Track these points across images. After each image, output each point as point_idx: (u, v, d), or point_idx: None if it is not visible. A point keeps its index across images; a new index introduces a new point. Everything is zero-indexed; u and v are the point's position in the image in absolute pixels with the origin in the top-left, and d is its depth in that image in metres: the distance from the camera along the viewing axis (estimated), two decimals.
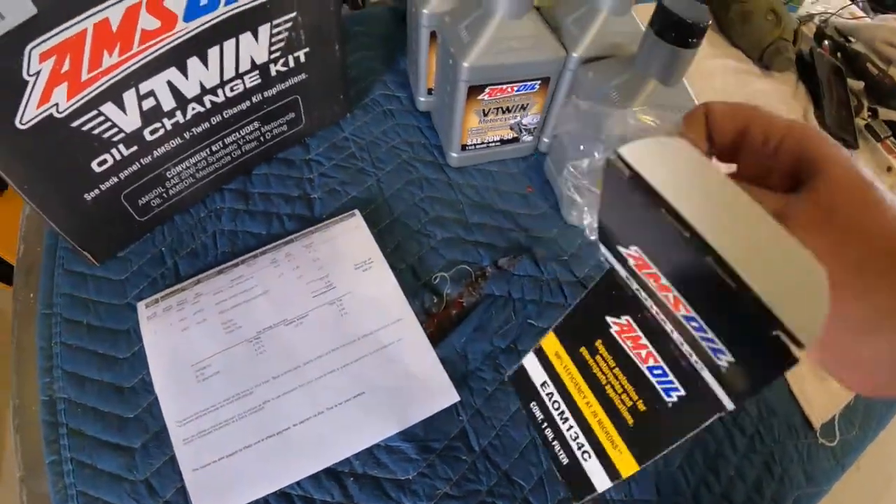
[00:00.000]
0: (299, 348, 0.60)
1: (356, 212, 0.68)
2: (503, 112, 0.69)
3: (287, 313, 0.62)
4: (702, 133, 0.33)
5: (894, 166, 0.95)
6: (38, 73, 0.48)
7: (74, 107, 0.52)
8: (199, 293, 0.63)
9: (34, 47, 0.46)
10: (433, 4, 0.67)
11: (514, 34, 0.62)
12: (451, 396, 0.58)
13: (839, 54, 1.06)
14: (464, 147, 0.72)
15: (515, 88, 0.66)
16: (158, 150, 0.61)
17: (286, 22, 0.61)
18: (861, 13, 1.19)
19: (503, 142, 0.74)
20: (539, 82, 0.66)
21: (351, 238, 0.66)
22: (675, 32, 0.54)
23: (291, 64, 0.65)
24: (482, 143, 0.72)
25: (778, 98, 0.98)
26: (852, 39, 1.10)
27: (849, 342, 0.27)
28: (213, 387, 0.58)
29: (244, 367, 0.59)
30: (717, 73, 0.99)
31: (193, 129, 0.63)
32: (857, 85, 1.02)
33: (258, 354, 0.59)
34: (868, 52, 1.05)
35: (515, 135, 0.73)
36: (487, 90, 0.65)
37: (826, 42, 1.08)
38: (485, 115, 0.68)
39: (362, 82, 0.83)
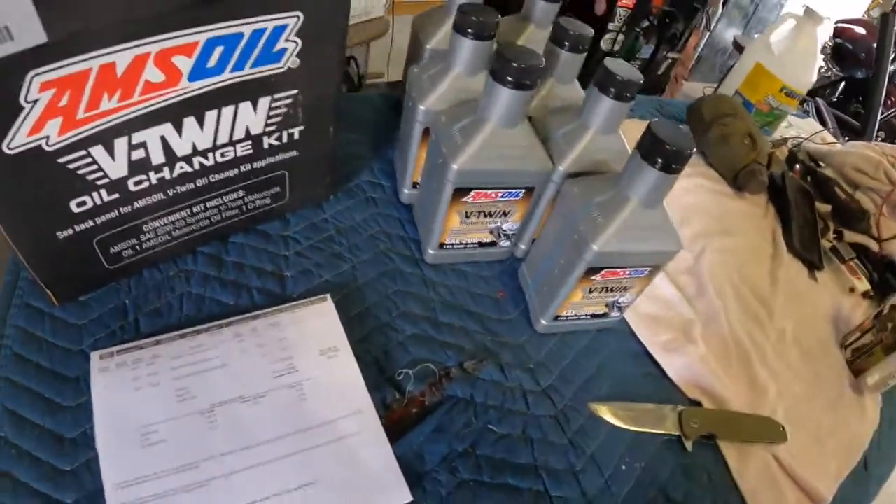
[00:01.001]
0: (253, 428, 0.56)
1: (328, 297, 0.66)
2: (485, 216, 0.68)
3: (245, 390, 0.58)
4: None
5: (857, 287, 0.97)
6: (35, 101, 0.46)
7: (65, 143, 0.50)
8: (156, 354, 0.58)
9: (37, 75, 0.45)
10: (430, 101, 0.68)
11: (505, 142, 0.62)
12: (403, 496, 0.54)
13: (809, 178, 1.11)
14: (442, 245, 0.71)
15: (500, 195, 0.66)
16: (139, 201, 0.59)
17: (287, 98, 0.61)
18: (832, 138, 1.25)
19: (481, 244, 0.73)
20: (524, 191, 0.66)
21: (319, 323, 0.64)
22: (661, 158, 0.55)
23: (285, 139, 0.65)
24: (461, 243, 0.71)
25: (748, 218, 1.01)
26: (822, 164, 1.15)
27: None
28: (158, 454, 0.53)
29: (193, 438, 0.54)
30: (691, 191, 1.02)
31: (178, 188, 0.61)
32: (824, 208, 1.05)
33: (210, 428, 0.55)
34: (836, 177, 1.11)
35: (494, 239, 0.72)
36: (472, 193, 0.65)
37: (797, 165, 1.12)
38: (467, 216, 0.67)
39: (349, 165, 0.83)
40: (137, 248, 0.63)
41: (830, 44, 2.37)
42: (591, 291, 0.65)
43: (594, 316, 0.70)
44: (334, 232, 0.74)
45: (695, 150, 0.55)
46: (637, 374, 0.71)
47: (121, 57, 0.48)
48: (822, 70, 1.25)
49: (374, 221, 0.77)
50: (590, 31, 0.69)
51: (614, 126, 0.66)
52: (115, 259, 0.62)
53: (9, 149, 0.47)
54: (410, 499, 0.54)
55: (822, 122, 1.37)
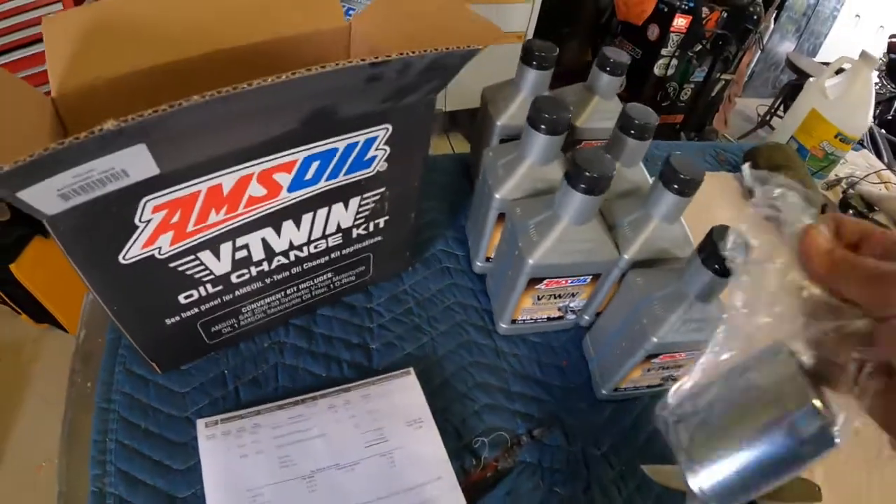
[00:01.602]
0: (349, 492, 0.56)
1: (411, 370, 0.65)
2: (555, 297, 0.67)
3: (341, 458, 0.58)
4: (831, 231, 0.36)
5: None
6: (148, 221, 0.46)
7: (175, 252, 0.50)
8: (257, 424, 0.59)
9: (149, 200, 0.45)
10: (505, 190, 0.66)
11: (576, 237, 0.61)
12: None
13: None
14: (514, 321, 0.70)
15: (570, 281, 0.64)
16: (240, 290, 0.59)
17: (375, 195, 0.60)
18: (888, 175, 1.18)
19: (549, 319, 0.71)
20: (591, 277, 0.65)
21: (405, 396, 0.63)
22: (717, 265, 0.54)
23: (371, 229, 0.64)
24: (531, 319, 0.70)
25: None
26: (876, 208, 1.08)
27: None
28: None
29: (296, 501, 0.55)
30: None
31: (274, 276, 0.61)
32: None
33: (310, 492, 0.56)
34: (889, 224, 1.04)
35: (561, 314, 0.71)
36: (545, 282, 0.63)
37: (850, 211, 1.07)
38: (539, 299, 0.66)
39: (424, 233, 0.82)
40: (235, 325, 0.63)
41: (884, 59, 2.23)
42: (649, 370, 0.63)
43: (650, 387, 0.68)
44: (413, 304, 0.73)
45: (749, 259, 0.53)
46: None
47: (227, 179, 0.48)
48: (877, 86, 1.16)
49: (449, 292, 0.76)
50: (655, 119, 0.66)
51: (676, 216, 0.64)
52: (215, 336, 0.63)
53: (124, 260, 0.48)
54: None
55: (877, 152, 1.27)
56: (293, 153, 0.50)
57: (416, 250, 0.78)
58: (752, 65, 2.52)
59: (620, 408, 0.70)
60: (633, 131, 0.67)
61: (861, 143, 1.31)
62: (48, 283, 1.52)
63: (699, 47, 2.21)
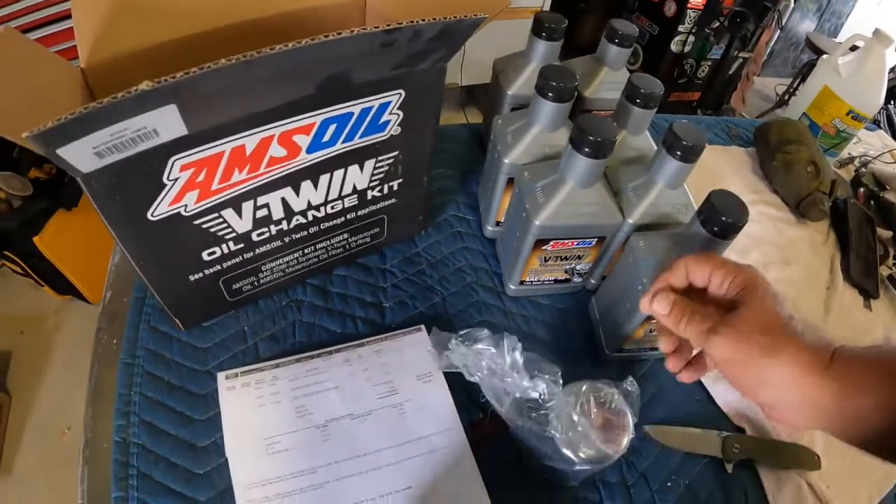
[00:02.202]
0: (361, 440, 0.61)
1: (422, 327, 0.69)
2: (561, 259, 0.70)
3: (354, 409, 0.63)
4: (683, 279, 0.51)
5: None
6: (176, 179, 0.51)
7: (200, 209, 0.55)
8: (276, 376, 0.64)
9: (178, 159, 0.49)
10: (514, 156, 0.70)
11: (581, 200, 0.64)
12: (483, 501, 0.59)
13: (873, 202, 1.06)
14: (522, 282, 0.74)
15: (576, 243, 0.68)
16: (260, 248, 0.64)
17: (389, 158, 0.64)
18: None
19: (556, 281, 0.75)
20: (596, 239, 0.68)
21: (416, 351, 0.68)
22: (718, 227, 0.56)
23: (385, 191, 0.68)
24: (538, 280, 0.74)
25: (809, 246, 0.98)
26: (888, 187, 1.11)
27: (760, 372, 0.44)
28: (280, 461, 0.59)
29: (311, 448, 0.60)
30: (755, 220, 0.98)
31: (293, 235, 0.65)
32: (886, 234, 1.01)
33: (324, 440, 0.60)
34: None
35: (568, 277, 0.74)
36: (552, 243, 0.67)
37: (861, 189, 1.08)
38: (545, 260, 0.70)
39: (437, 199, 0.85)
40: (255, 283, 0.68)
41: None
42: (651, 331, 0.67)
43: (653, 349, 0.72)
44: (426, 265, 0.77)
45: (748, 220, 0.57)
46: (689, 401, 0.72)
47: (249, 140, 0.52)
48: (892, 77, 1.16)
49: (460, 255, 0.80)
50: (660, 89, 0.69)
51: (679, 182, 0.66)
52: (236, 293, 0.67)
53: (152, 216, 0.52)
54: (489, 503, 0.58)
55: (893, 132, 1.27)
56: (312, 116, 0.54)
57: (429, 215, 0.81)
58: (772, 43, 2.50)
59: (625, 369, 0.73)
60: (638, 100, 0.70)
61: (877, 124, 1.31)
62: (70, 255, 1.58)
63: (717, 24, 2.20)
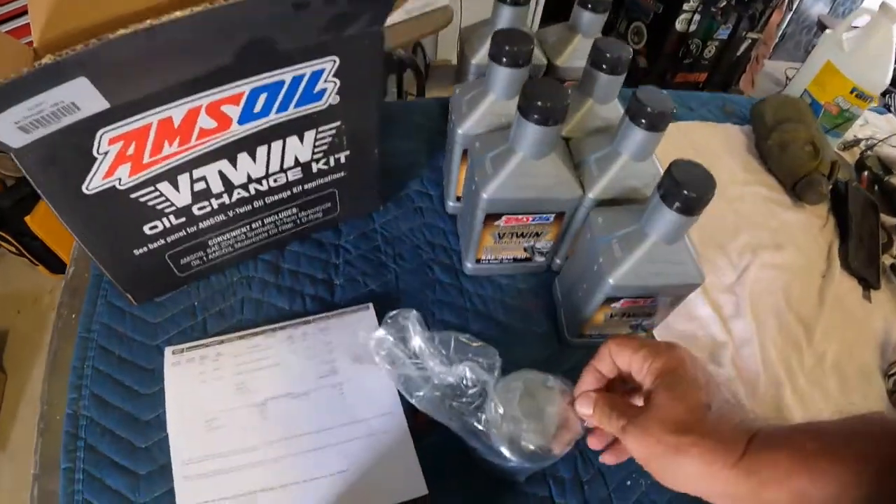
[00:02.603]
0: (298, 420, 0.63)
1: (370, 305, 0.70)
2: (518, 236, 0.70)
3: (293, 387, 0.65)
4: (610, 365, 0.51)
5: None
6: (106, 152, 0.52)
7: (134, 182, 0.57)
8: (220, 352, 0.66)
9: (105, 132, 0.51)
10: (468, 125, 0.69)
11: (534, 172, 0.63)
12: (420, 489, 0.60)
13: (877, 187, 1.03)
14: (478, 260, 0.74)
15: (531, 219, 0.67)
16: (204, 222, 0.66)
17: (330, 129, 0.65)
18: None
19: (516, 260, 0.75)
20: (554, 215, 0.68)
21: (361, 330, 0.68)
22: (680, 202, 0.55)
23: (332, 164, 0.69)
24: (496, 259, 0.74)
25: (805, 230, 0.96)
26: (893, 171, 1.07)
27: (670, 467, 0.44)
28: (218, 438, 0.61)
29: (248, 426, 0.62)
30: (746, 200, 0.98)
31: (237, 209, 0.67)
32: (890, 221, 0.98)
33: (262, 419, 0.62)
34: None
35: (528, 255, 0.74)
36: (504, 218, 0.67)
37: (865, 173, 1.05)
38: (500, 237, 0.70)
39: (400, 174, 0.86)
40: (204, 258, 0.70)
41: None
42: (612, 316, 0.66)
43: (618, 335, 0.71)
44: (382, 242, 0.78)
45: (714, 193, 0.54)
46: None
47: (176, 112, 0.53)
48: None
49: (419, 232, 0.80)
50: (629, 52, 0.68)
51: (647, 153, 0.65)
52: (184, 268, 0.69)
53: (87, 190, 0.54)
54: (426, 492, 0.59)
55: None
56: (238, 85, 0.55)
57: (390, 189, 0.82)
58: (784, 26, 2.42)
59: (588, 355, 0.71)
60: (604, 66, 0.68)
61: (888, 108, 1.26)
62: (62, 234, 1.61)
63: (724, 3, 2.15)
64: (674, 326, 0.77)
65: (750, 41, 2.33)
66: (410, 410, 0.65)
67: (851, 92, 1.05)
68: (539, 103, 0.58)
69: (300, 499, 0.58)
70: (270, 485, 0.59)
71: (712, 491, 0.42)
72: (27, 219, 1.51)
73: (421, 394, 0.56)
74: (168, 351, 0.66)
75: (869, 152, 1.10)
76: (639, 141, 0.64)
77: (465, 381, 0.55)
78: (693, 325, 0.79)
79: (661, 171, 0.66)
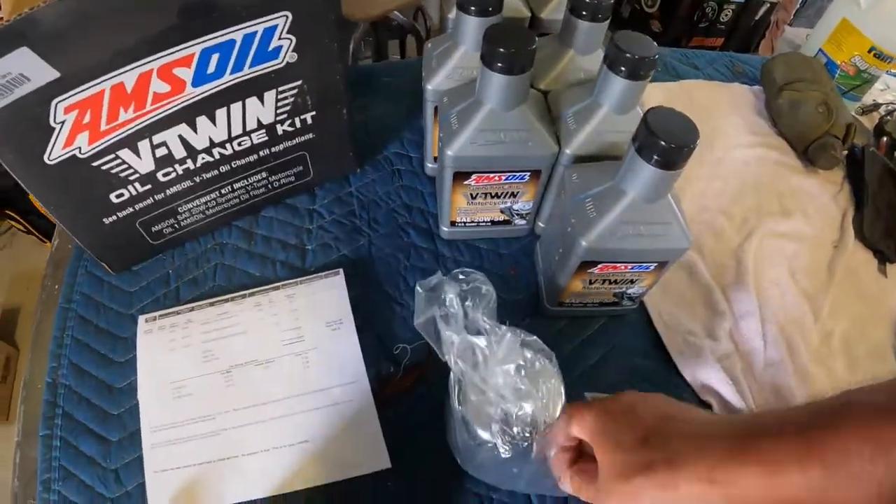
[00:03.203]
0: (262, 388, 0.67)
1: (340, 271, 0.73)
2: (492, 197, 0.71)
3: (258, 355, 0.68)
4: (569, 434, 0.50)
5: None
6: (62, 122, 0.57)
7: (95, 150, 0.61)
8: (189, 320, 0.70)
9: (59, 102, 0.55)
10: (437, 80, 0.71)
11: (503, 126, 0.64)
12: (383, 462, 0.63)
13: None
14: (453, 223, 0.75)
15: (504, 178, 0.68)
16: (170, 189, 0.70)
17: (291, 89, 0.68)
18: None
19: (494, 223, 0.76)
20: (529, 174, 0.68)
21: (329, 296, 0.72)
22: (657, 155, 0.53)
23: (298, 125, 0.72)
24: (472, 221, 0.75)
25: (816, 197, 0.94)
26: None
27: None
28: (185, 405, 0.65)
29: (213, 394, 0.66)
30: (751, 163, 0.96)
31: (203, 175, 0.70)
32: None
33: (227, 386, 0.67)
34: None
35: (507, 218, 0.75)
36: (474, 177, 0.68)
37: (884, 139, 1.02)
38: (473, 198, 0.71)
39: (380, 136, 0.88)
40: (176, 226, 0.74)
41: None
42: (591, 282, 0.66)
43: (602, 304, 0.71)
44: (357, 206, 0.81)
45: (697, 144, 0.52)
46: (646, 367, 0.72)
47: (127, 77, 0.57)
48: None
49: (396, 195, 0.82)
50: None
51: (630, 105, 0.64)
52: (157, 236, 0.73)
53: (49, 160, 0.59)
54: (389, 465, 0.62)
55: None
56: (187, 47, 0.58)
57: (368, 152, 0.85)
58: None
59: (571, 325, 0.73)
60: (584, 12, 0.67)
61: None
62: None
63: None
64: (667, 294, 0.77)
65: (768, 5, 2.28)
66: (377, 381, 0.68)
67: (870, 51, 1.02)
68: (502, 50, 0.57)
69: (261, 468, 0.62)
70: (233, 453, 0.63)
71: None
72: (31, 196, 1.59)
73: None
74: (141, 319, 0.71)
75: (889, 118, 1.06)
76: (619, 91, 0.62)
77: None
78: (690, 293, 0.78)
79: None
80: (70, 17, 0.50)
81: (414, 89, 0.94)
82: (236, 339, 0.70)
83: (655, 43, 0.61)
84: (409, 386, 0.68)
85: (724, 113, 1.04)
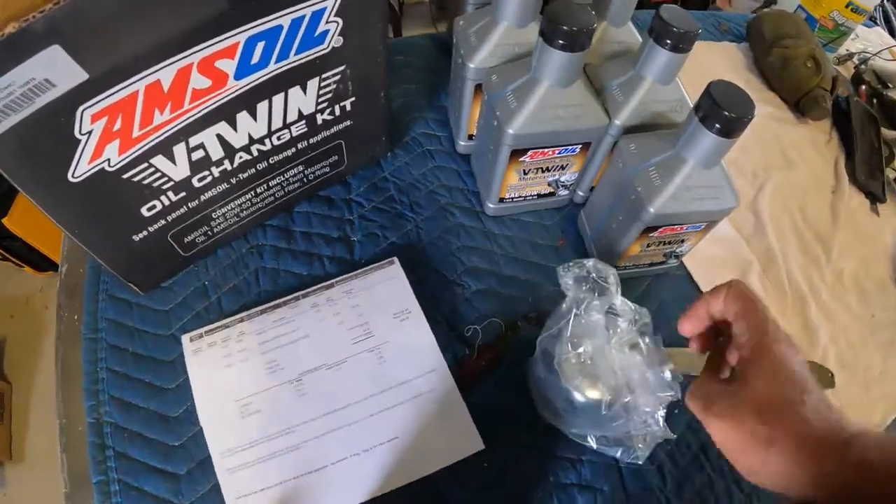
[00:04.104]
0: (338, 392, 0.57)
1: (395, 260, 0.64)
2: (543, 171, 0.64)
3: (328, 358, 0.58)
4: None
5: None
6: (89, 132, 0.44)
7: (126, 161, 0.48)
8: (242, 332, 0.59)
9: (86, 109, 0.42)
10: (480, 58, 0.62)
11: (560, 102, 0.57)
12: (476, 444, 0.55)
13: (875, 101, 0.98)
14: (501, 200, 0.68)
15: (557, 152, 0.61)
16: (205, 194, 0.57)
17: (335, 75, 0.57)
18: None
19: (540, 196, 0.69)
20: (580, 146, 0.61)
21: (390, 286, 0.62)
22: (720, 124, 0.50)
23: (338, 112, 0.61)
24: (520, 196, 0.68)
25: (811, 147, 0.92)
26: (890, 85, 1.02)
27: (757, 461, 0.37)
28: (255, 423, 0.55)
29: (286, 406, 0.56)
30: (754, 120, 0.92)
31: (240, 175, 0.59)
32: (890, 134, 0.94)
33: (299, 396, 0.56)
34: None
35: (552, 190, 0.68)
36: (529, 153, 0.60)
37: (863, 87, 1.00)
38: (525, 174, 0.63)
39: (403, 118, 0.78)
40: (209, 233, 0.62)
41: None
42: (648, 245, 0.61)
43: (652, 264, 0.66)
44: (394, 191, 0.71)
45: (755, 114, 0.50)
46: None
47: (164, 74, 0.44)
48: None
49: (432, 175, 0.73)
50: None
51: (672, 76, 0.59)
52: (189, 247, 0.61)
53: (74, 178, 0.46)
54: (483, 447, 0.55)
55: (892, 32, 1.19)
56: (233, 35, 0.46)
57: (394, 135, 0.74)
58: None
59: (622, 288, 0.67)
60: None
61: (874, 21, 1.21)
62: (42, 230, 1.52)
63: None
64: (700, 251, 0.72)
65: None
66: (454, 364, 0.60)
67: (847, 6, 1.00)
68: (565, 27, 0.51)
69: (353, 474, 0.53)
70: (319, 464, 0.54)
71: (797, 493, 0.36)
72: (5, 221, 1.40)
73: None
74: (185, 339, 0.59)
75: (864, 66, 1.04)
76: (664, 63, 0.58)
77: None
78: (718, 248, 0.75)
79: (685, 94, 0.61)
80: (110, 8, 0.38)
81: (425, 67, 0.84)
82: (300, 345, 0.59)
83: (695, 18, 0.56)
84: (485, 366, 0.61)
85: (720, 71, 0.99)
